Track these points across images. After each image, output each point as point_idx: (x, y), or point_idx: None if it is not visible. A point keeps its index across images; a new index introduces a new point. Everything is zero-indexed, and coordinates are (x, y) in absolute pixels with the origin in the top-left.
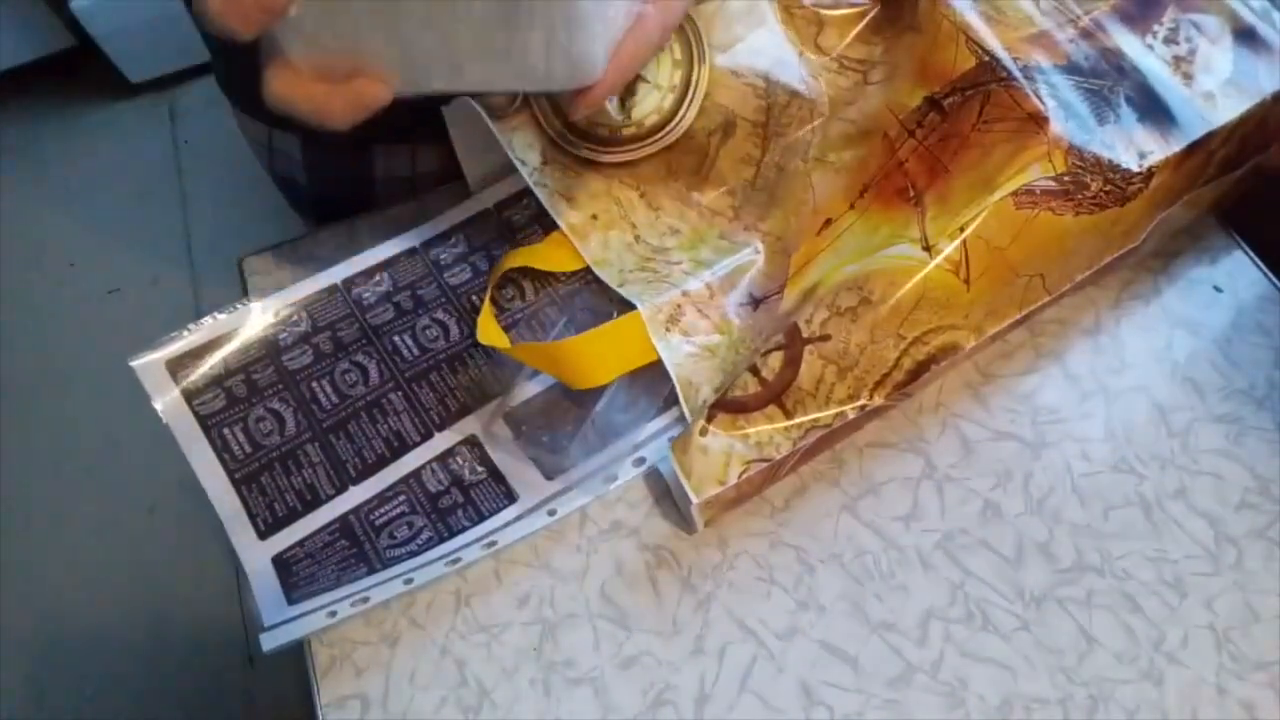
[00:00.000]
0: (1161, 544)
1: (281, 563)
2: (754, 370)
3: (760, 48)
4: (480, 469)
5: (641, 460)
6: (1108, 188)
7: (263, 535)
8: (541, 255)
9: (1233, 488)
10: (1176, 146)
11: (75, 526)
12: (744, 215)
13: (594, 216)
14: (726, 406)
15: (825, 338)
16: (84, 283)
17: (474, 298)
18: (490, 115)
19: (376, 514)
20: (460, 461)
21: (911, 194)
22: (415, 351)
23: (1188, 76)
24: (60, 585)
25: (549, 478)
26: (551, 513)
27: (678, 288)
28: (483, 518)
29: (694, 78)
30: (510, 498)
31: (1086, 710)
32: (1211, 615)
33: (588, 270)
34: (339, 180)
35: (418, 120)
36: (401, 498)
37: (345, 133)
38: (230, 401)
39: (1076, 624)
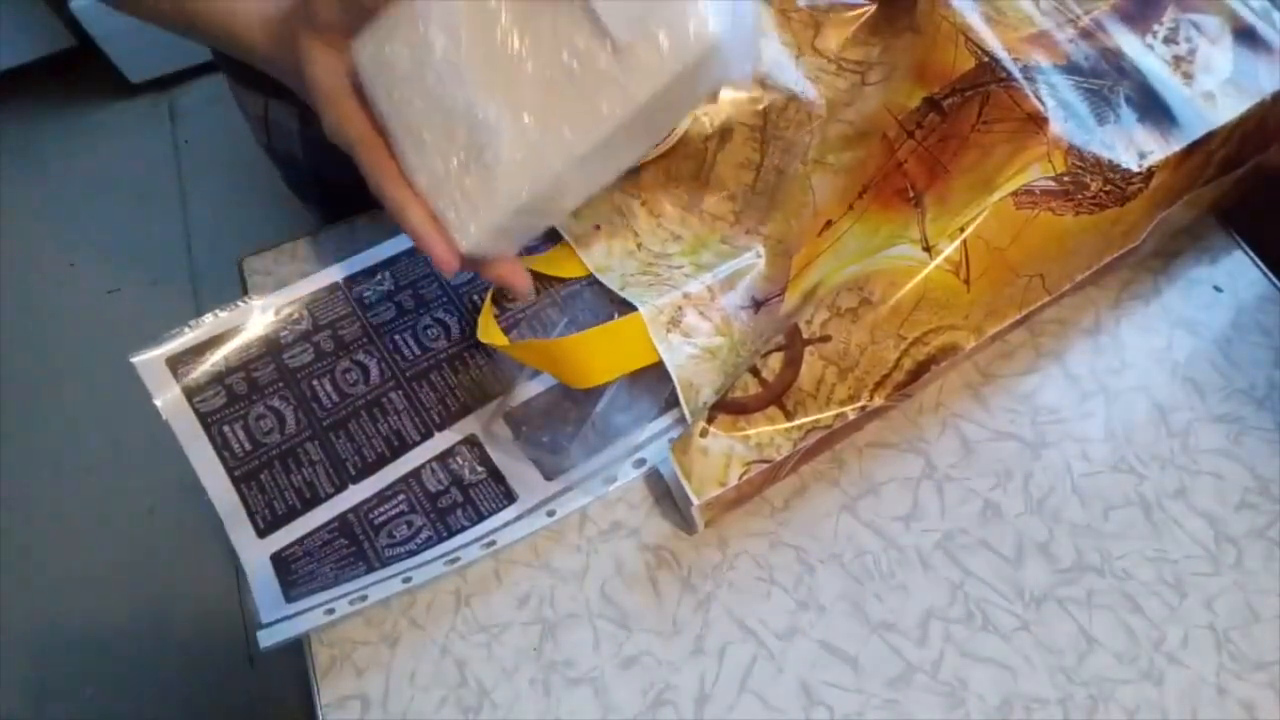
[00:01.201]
0: (1161, 544)
1: (280, 560)
2: (754, 371)
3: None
4: (480, 469)
5: (642, 461)
6: (1108, 188)
7: (262, 533)
8: (547, 262)
9: (1233, 488)
10: (1176, 146)
11: (75, 526)
12: (745, 219)
13: (597, 226)
14: (727, 408)
15: (826, 338)
16: (84, 283)
17: (475, 297)
18: None
19: (376, 513)
20: (460, 461)
21: (911, 195)
22: (416, 350)
23: (1188, 76)
24: (60, 585)
25: (549, 478)
26: (551, 513)
27: (679, 289)
28: (482, 518)
29: None
30: (510, 498)
31: (1086, 710)
32: (1211, 615)
33: (590, 274)
34: (336, 150)
35: None
36: (401, 497)
37: None
38: (230, 399)
39: (1076, 624)
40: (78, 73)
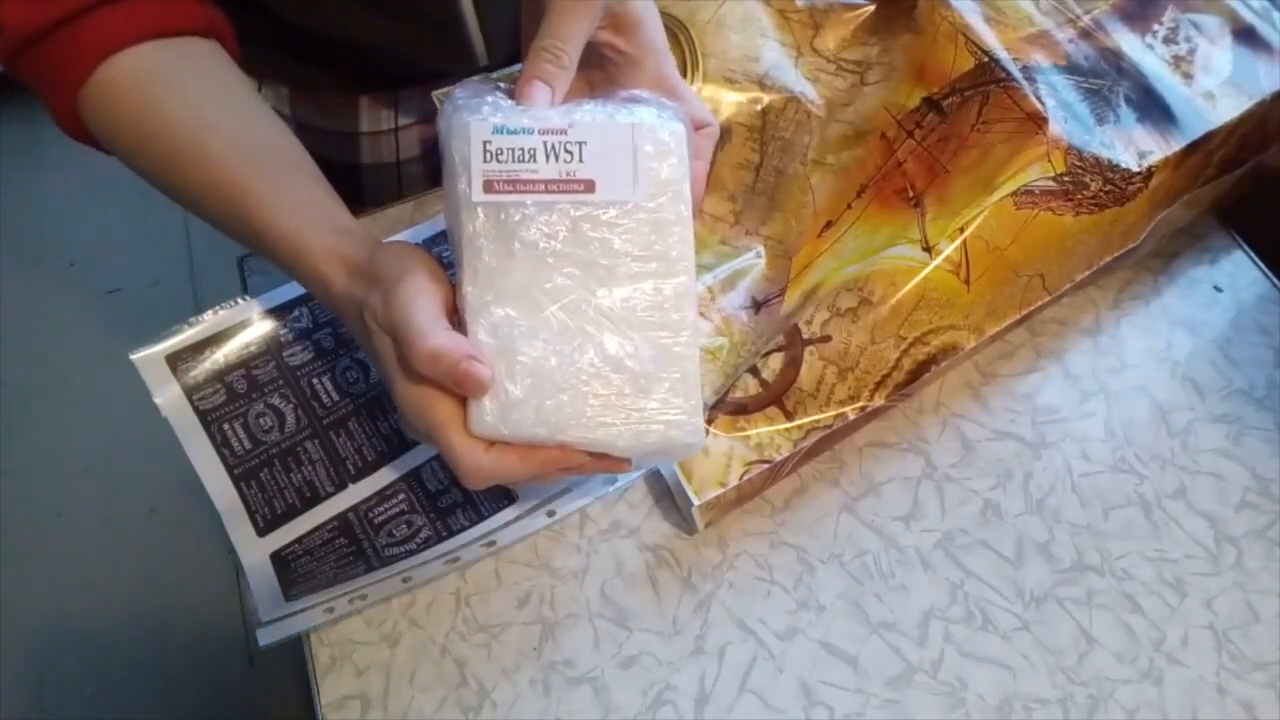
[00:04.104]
0: (1161, 544)
1: (280, 559)
2: (754, 372)
3: (755, 53)
4: None
5: None
6: (1107, 188)
7: (261, 532)
8: None
9: (1233, 488)
10: (1176, 146)
11: (75, 526)
12: (745, 220)
13: None
14: (727, 408)
15: (826, 339)
16: (84, 283)
17: None
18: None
19: (375, 512)
20: None
21: (911, 195)
22: None
23: (1188, 76)
24: (61, 585)
25: None
26: (551, 513)
27: None
28: (482, 517)
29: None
30: (510, 498)
31: (1086, 710)
32: (1211, 615)
33: None
34: (325, 134)
35: (400, 69)
36: (401, 496)
37: (333, 80)
38: (230, 397)
39: (1076, 624)
40: None
